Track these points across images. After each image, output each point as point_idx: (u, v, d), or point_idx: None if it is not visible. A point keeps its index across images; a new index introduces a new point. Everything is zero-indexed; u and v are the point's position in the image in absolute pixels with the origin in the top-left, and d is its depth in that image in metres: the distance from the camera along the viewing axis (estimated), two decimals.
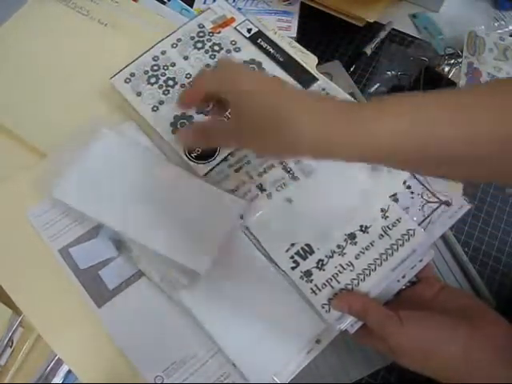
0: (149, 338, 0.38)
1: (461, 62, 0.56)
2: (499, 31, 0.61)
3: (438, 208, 0.40)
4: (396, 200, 0.40)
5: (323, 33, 0.63)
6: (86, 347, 0.38)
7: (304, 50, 0.50)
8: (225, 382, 0.37)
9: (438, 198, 0.41)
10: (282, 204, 0.41)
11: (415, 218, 0.40)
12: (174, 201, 0.40)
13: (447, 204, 0.40)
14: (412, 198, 0.41)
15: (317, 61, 0.49)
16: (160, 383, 0.37)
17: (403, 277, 0.38)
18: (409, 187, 0.41)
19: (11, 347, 0.39)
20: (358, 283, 0.37)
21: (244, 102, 0.29)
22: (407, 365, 0.33)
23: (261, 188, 0.40)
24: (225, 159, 0.42)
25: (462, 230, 0.48)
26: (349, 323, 0.36)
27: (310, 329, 0.37)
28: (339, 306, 0.36)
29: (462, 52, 0.57)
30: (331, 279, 0.38)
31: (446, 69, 0.58)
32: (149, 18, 0.52)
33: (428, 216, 0.40)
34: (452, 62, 0.59)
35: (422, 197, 0.41)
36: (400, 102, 0.28)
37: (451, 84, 0.53)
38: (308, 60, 0.48)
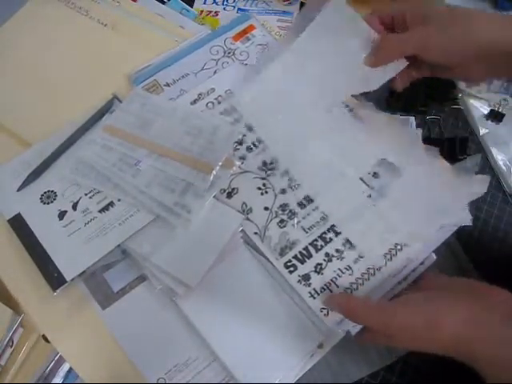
0: (152, 341, 0.38)
1: None
2: None
3: None
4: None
5: None
6: (89, 349, 0.38)
7: None
8: (229, 383, 0.37)
9: None
10: None
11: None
12: None
13: None
14: None
15: None
16: None
17: (405, 279, 0.38)
18: None
19: (11, 347, 0.39)
20: (357, 287, 0.37)
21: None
22: (411, 345, 0.32)
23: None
24: None
25: (462, 229, 0.47)
26: (350, 324, 0.35)
27: (311, 337, 0.37)
28: (328, 303, 0.36)
29: None
30: (330, 283, 0.37)
31: None
32: (149, 17, 0.52)
33: None
34: None
35: None
36: None
37: (451, 84, 0.53)
38: None
